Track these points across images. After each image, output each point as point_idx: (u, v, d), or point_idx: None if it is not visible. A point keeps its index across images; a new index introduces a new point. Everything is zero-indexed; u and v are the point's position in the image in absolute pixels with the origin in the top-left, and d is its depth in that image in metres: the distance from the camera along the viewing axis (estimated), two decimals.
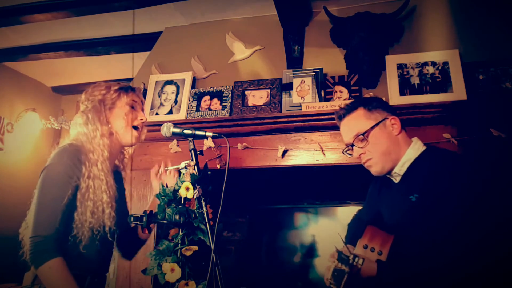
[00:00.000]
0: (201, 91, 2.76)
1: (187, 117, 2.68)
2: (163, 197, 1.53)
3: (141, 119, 1.65)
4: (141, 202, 2.56)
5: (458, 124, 2.15)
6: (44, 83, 4.15)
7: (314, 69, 2.56)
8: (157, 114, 2.76)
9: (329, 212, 3.20)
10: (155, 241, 2.41)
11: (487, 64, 2.28)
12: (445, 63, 2.33)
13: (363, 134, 1.53)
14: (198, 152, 1.58)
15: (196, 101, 2.72)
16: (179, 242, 1.49)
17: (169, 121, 1.67)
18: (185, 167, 1.54)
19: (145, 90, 2.86)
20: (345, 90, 2.48)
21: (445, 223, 1.34)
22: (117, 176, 1.70)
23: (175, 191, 1.52)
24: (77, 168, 1.45)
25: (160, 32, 3.13)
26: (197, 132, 1.58)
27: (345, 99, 2.43)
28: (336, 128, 2.26)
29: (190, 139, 1.58)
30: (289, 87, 2.56)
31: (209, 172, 1.61)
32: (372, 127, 1.53)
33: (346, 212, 3.07)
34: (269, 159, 2.41)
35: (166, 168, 1.72)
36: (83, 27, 3.11)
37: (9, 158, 3.58)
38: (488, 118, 2.08)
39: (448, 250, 1.31)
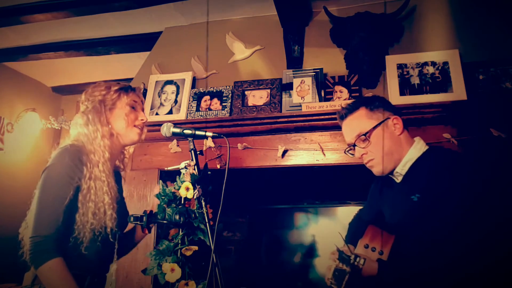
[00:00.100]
0: (201, 91, 2.76)
1: (187, 117, 2.68)
2: (163, 197, 1.53)
3: (142, 119, 1.65)
4: (141, 202, 2.56)
5: (458, 124, 2.15)
6: (44, 83, 4.15)
7: (314, 69, 2.56)
8: (157, 114, 2.76)
9: (329, 212, 3.20)
10: (155, 241, 2.41)
11: (487, 64, 2.28)
12: (445, 63, 2.33)
13: (365, 135, 1.52)
14: (198, 152, 1.57)
15: (196, 101, 2.73)
16: (179, 242, 1.49)
17: (169, 121, 1.67)
18: (185, 167, 1.54)
19: (145, 90, 2.86)
20: (345, 90, 2.48)
21: (446, 223, 1.34)
22: (117, 176, 1.70)
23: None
24: (79, 169, 1.45)
25: (160, 32, 3.13)
26: (197, 132, 1.58)
27: (345, 99, 2.43)
28: (336, 128, 2.28)
29: (190, 139, 1.58)
30: (289, 87, 2.56)
31: (209, 172, 1.61)
32: (374, 127, 1.52)
33: (346, 212, 3.07)
34: (269, 159, 2.41)
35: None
36: (83, 27, 3.11)
37: (9, 158, 3.58)
38: (488, 118, 2.08)
39: (448, 250, 1.31)
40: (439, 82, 2.30)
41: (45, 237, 1.35)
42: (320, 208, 3.23)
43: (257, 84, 2.66)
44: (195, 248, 1.48)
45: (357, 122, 1.56)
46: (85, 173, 1.46)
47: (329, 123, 2.30)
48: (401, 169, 1.53)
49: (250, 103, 2.63)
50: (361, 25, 2.45)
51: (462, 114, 2.14)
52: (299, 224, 3.26)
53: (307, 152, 2.36)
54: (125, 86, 1.65)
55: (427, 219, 1.38)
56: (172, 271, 1.45)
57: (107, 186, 1.49)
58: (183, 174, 1.53)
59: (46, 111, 3.98)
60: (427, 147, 1.54)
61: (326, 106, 2.36)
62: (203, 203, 1.47)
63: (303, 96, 2.50)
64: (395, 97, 2.31)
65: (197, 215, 1.49)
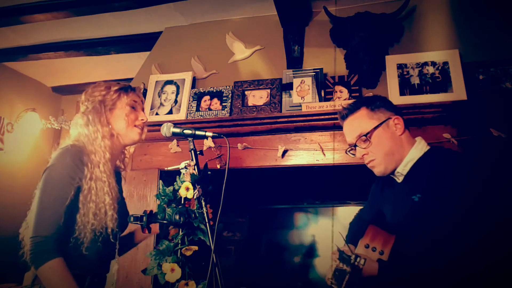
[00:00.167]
0: (201, 91, 2.76)
1: (187, 117, 2.68)
2: (163, 197, 1.53)
3: (142, 119, 1.65)
4: (141, 202, 2.56)
5: (458, 124, 2.15)
6: (44, 83, 4.15)
7: (314, 69, 2.56)
8: (157, 114, 2.76)
9: (329, 212, 3.20)
10: (155, 241, 2.41)
11: (487, 64, 2.28)
12: (445, 63, 2.33)
13: (365, 135, 1.52)
14: (198, 152, 1.57)
15: (196, 101, 2.72)
16: (179, 242, 1.49)
17: (169, 121, 1.67)
18: (185, 167, 1.54)
19: (145, 90, 2.86)
20: (345, 90, 2.48)
21: (446, 223, 1.34)
22: (117, 177, 1.70)
23: (175, 191, 1.52)
24: (80, 170, 1.45)
25: (160, 32, 3.13)
26: (197, 132, 1.58)
27: (345, 99, 2.43)
28: (336, 128, 2.28)
29: (190, 139, 1.58)
30: (289, 87, 2.56)
31: (209, 172, 1.61)
32: (375, 128, 1.52)
33: (346, 212, 3.08)
34: (269, 159, 2.41)
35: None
36: (83, 27, 3.11)
37: (9, 158, 3.58)
38: (488, 118, 2.08)
39: (448, 250, 1.31)
40: (439, 82, 2.30)
41: (46, 238, 1.35)
42: (320, 208, 3.23)
43: (257, 84, 2.66)
44: (195, 248, 1.48)
45: (358, 122, 1.55)
46: (86, 173, 1.46)
47: (329, 123, 2.30)
48: (402, 169, 1.52)
49: (250, 103, 2.63)
50: (361, 25, 2.45)
51: (462, 114, 2.14)
52: (299, 224, 3.26)
53: (307, 152, 2.36)
54: (125, 86, 1.65)
55: (427, 219, 1.38)
56: (172, 271, 1.45)
57: (108, 186, 1.49)
58: (183, 174, 1.53)
59: (46, 111, 3.98)
60: (428, 147, 1.54)
61: (326, 106, 2.36)
62: (203, 203, 1.47)
63: (303, 96, 2.50)
64: (395, 97, 2.31)
65: (197, 215, 1.49)
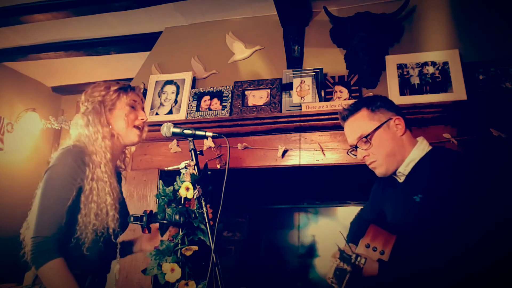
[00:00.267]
0: (201, 91, 2.76)
1: (187, 117, 2.68)
2: (163, 197, 1.53)
3: (142, 119, 1.64)
4: (141, 202, 2.56)
5: (458, 124, 2.15)
6: (44, 83, 4.15)
7: (314, 69, 2.56)
8: (157, 114, 2.76)
9: (329, 212, 3.20)
10: None
11: (487, 64, 2.28)
12: (445, 63, 2.33)
13: (366, 137, 1.51)
14: (198, 152, 1.57)
15: (196, 101, 2.73)
16: (179, 242, 1.48)
17: (169, 121, 1.66)
18: (185, 167, 1.54)
19: (145, 90, 2.86)
20: (345, 90, 2.48)
21: (446, 223, 1.34)
22: (118, 177, 1.70)
23: (175, 191, 1.52)
24: (81, 170, 1.45)
25: (160, 32, 3.13)
26: (197, 132, 1.58)
27: (345, 99, 2.43)
28: (336, 128, 2.28)
29: (190, 139, 1.58)
30: (289, 87, 2.56)
31: (209, 172, 1.61)
32: (375, 129, 1.51)
33: (346, 212, 3.08)
34: (269, 159, 2.41)
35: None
36: (83, 27, 3.11)
37: (9, 158, 3.58)
38: (488, 118, 2.08)
39: (448, 250, 1.31)
40: (439, 82, 2.30)
41: (47, 238, 1.35)
42: (320, 208, 3.23)
43: (257, 84, 2.66)
44: (195, 248, 1.48)
45: (359, 124, 1.55)
46: (88, 174, 1.46)
47: (329, 123, 2.30)
48: (404, 169, 1.52)
49: (250, 103, 2.63)
50: (361, 25, 2.45)
51: (462, 114, 2.14)
52: (299, 224, 3.26)
53: (307, 152, 2.36)
54: (124, 86, 1.64)
55: (428, 220, 1.37)
56: (172, 271, 1.45)
57: (109, 187, 1.49)
58: (183, 174, 1.52)
59: (46, 111, 3.98)
60: (430, 147, 1.53)
61: (326, 106, 2.36)
62: (203, 203, 1.47)
63: (303, 96, 2.50)
64: (395, 97, 2.31)
65: (197, 215, 1.49)
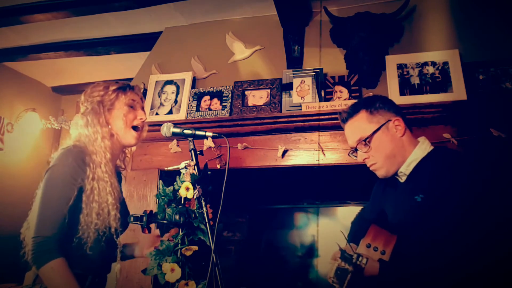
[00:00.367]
0: (201, 91, 2.76)
1: (187, 117, 2.68)
2: (163, 197, 1.53)
3: (141, 118, 1.64)
4: (141, 202, 2.56)
5: (458, 124, 2.15)
6: (44, 83, 4.15)
7: (314, 69, 2.56)
8: (157, 114, 2.76)
9: (329, 212, 3.20)
10: None
11: (487, 64, 2.28)
12: (445, 63, 2.33)
13: (365, 140, 1.51)
14: (198, 152, 1.57)
15: (196, 101, 2.73)
16: (179, 242, 1.48)
17: (169, 121, 1.66)
18: (185, 167, 1.53)
19: (145, 90, 2.86)
20: (345, 90, 2.48)
21: (446, 223, 1.34)
22: (118, 176, 1.70)
23: (175, 191, 1.52)
24: (82, 170, 1.46)
25: (160, 32, 3.13)
26: (197, 132, 1.58)
27: (345, 99, 2.43)
28: (336, 128, 2.28)
29: (190, 139, 1.58)
30: (289, 87, 2.56)
31: (209, 172, 1.61)
32: (374, 132, 1.51)
33: (346, 212, 3.08)
34: (269, 159, 2.41)
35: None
36: (83, 27, 3.11)
37: (9, 158, 3.58)
38: (488, 118, 2.08)
39: (448, 250, 1.31)
40: (439, 82, 2.30)
41: (47, 238, 1.36)
42: (320, 208, 3.23)
43: (257, 84, 2.66)
44: (195, 248, 1.48)
45: (358, 126, 1.55)
46: (88, 173, 1.46)
47: (329, 123, 2.30)
48: (405, 169, 1.52)
49: (250, 103, 2.63)
50: (361, 25, 2.45)
51: (462, 114, 2.14)
52: (299, 224, 3.26)
53: (307, 152, 2.36)
54: (123, 86, 1.64)
55: (429, 220, 1.37)
56: (172, 271, 1.45)
57: (110, 186, 1.49)
58: (183, 174, 1.52)
59: (46, 111, 3.98)
60: (432, 148, 1.53)
61: (326, 106, 2.36)
62: (203, 203, 1.47)
63: (303, 96, 2.50)
64: (395, 97, 2.31)
65: (197, 215, 1.48)
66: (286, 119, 2.37)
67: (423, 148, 1.52)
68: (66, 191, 1.41)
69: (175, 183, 1.55)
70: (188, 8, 2.86)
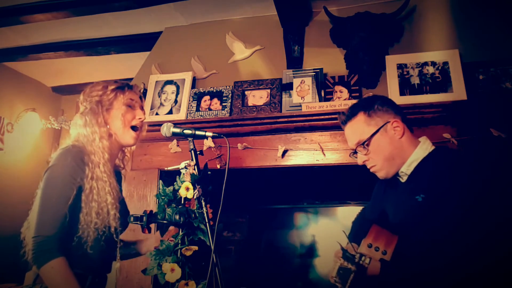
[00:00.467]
0: (201, 91, 2.76)
1: (187, 117, 2.68)
2: (163, 197, 1.53)
3: (140, 118, 1.63)
4: (141, 202, 2.56)
5: (458, 124, 2.15)
6: (44, 83, 4.15)
7: (314, 69, 2.56)
8: (157, 114, 2.76)
9: (329, 212, 3.20)
10: None
11: (487, 64, 2.28)
12: (445, 63, 2.33)
13: (363, 143, 1.52)
14: (198, 152, 1.57)
15: (196, 101, 2.73)
16: (179, 242, 1.49)
17: (169, 121, 1.66)
18: (185, 167, 1.54)
19: (145, 90, 2.86)
20: (345, 90, 2.48)
21: (446, 223, 1.34)
22: (117, 176, 1.70)
23: (175, 191, 1.52)
24: (81, 169, 1.46)
25: (160, 32, 3.13)
26: (197, 132, 1.58)
27: (345, 99, 2.43)
28: (336, 128, 2.28)
29: (190, 139, 1.58)
30: (289, 87, 2.56)
31: (209, 172, 1.61)
32: (372, 135, 1.51)
33: (346, 212, 3.08)
34: (269, 159, 2.41)
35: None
36: (83, 27, 3.11)
37: (9, 158, 3.58)
38: (488, 118, 2.08)
39: (448, 250, 1.31)
40: (439, 82, 2.30)
41: (48, 237, 1.36)
42: (320, 208, 3.23)
43: (257, 84, 2.66)
44: (195, 248, 1.48)
45: (356, 129, 1.55)
46: (87, 173, 1.46)
47: (329, 123, 2.30)
48: (406, 169, 1.52)
49: (250, 103, 2.63)
50: (361, 25, 2.45)
51: (462, 114, 2.14)
52: (299, 224, 3.26)
53: (307, 152, 2.36)
54: (122, 85, 1.63)
55: (430, 219, 1.37)
56: (172, 271, 1.45)
57: (109, 186, 1.49)
58: (183, 174, 1.53)
59: (46, 111, 3.98)
60: (433, 147, 1.53)
61: (326, 106, 2.36)
62: (203, 203, 1.47)
63: (303, 96, 2.50)
64: (395, 97, 2.31)
65: (197, 215, 1.49)
66: (286, 119, 2.37)
67: (424, 148, 1.52)
68: (66, 190, 1.41)
69: (175, 183, 1.55)
70: (188, 8, 2.86)
